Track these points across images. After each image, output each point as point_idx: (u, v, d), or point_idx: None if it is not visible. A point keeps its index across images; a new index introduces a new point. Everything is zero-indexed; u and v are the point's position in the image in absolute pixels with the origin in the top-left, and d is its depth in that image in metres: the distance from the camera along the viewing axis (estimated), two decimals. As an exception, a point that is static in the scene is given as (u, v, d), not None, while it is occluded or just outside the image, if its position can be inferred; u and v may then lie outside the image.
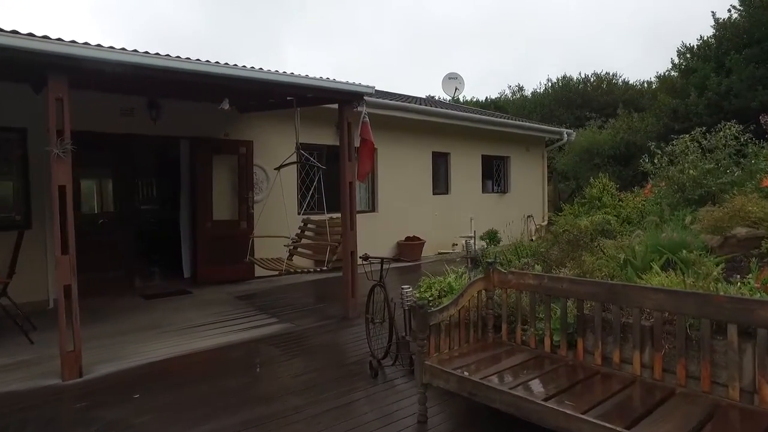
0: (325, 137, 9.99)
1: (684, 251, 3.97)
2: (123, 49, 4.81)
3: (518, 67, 55.96)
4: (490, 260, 3.76)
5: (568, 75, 25.88)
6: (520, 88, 28.56)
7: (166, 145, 9.77)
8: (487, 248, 10.68)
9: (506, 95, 28.86)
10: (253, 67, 5.57)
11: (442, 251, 12.35)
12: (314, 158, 10.11)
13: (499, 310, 3.74)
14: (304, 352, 5.10)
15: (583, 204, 8.70)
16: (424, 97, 21.50)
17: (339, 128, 6.04)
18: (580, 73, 25.59)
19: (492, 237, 10.51)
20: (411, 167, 11.73)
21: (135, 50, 4.88)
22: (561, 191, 17.33)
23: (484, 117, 13.29)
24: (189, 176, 8.59)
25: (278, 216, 8.87)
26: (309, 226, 7.92)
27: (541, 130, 14.88)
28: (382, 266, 4.53)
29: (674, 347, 2.66)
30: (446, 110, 12.22)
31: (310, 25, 72.24)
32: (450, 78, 20.21)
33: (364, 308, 4.81)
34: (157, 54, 5.04)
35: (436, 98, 23.32)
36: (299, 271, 6.44)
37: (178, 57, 5.08)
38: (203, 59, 5.40)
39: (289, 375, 4.45)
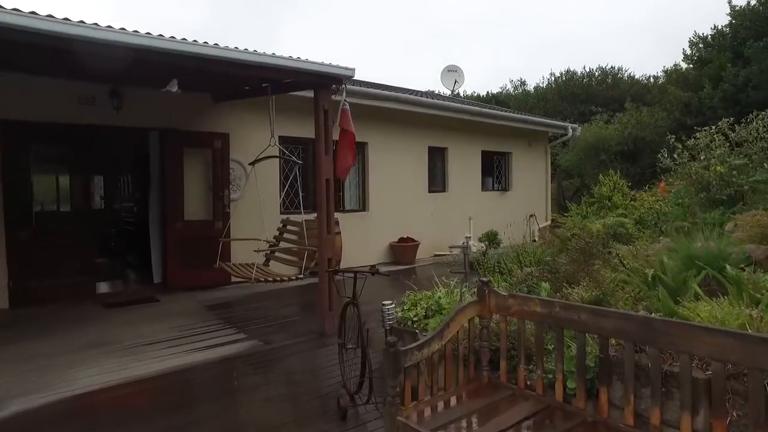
0: (310, 130, 9.16)
1: (727, 265, 3.19)
2: (50, 16, 4.02)
3: (520, 62, 55.12)
4: (484, 279, 2.97)
5: (572, 69, 25.06)
6: (523, 83, 27.74)
7: (135, 138, 8.98)
8: (486, 251, 9.91)
9: (508, 90, 28.03)
10: (206, 43, 4.78)
11: (438, 253, 11.57)
12: (299, 154, 9.34)
13: (496, 342, 2.96)
14: (268, 379, 4.32)
15: (591, 204, 7.93)
16: (424, 91, 20.69)
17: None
18: (584, 68, 24.78)
19: (492, 239, 9.73)
20: (405, 163, 10.94)
21: (66, 19, 4.10)
22: (565, 189, 16.54)
23: (483, 110, 12.49)
24: (159, 172, 7.82)
25: (258, 216, 8.11)
26: (289, 227, 7.15)
27: (545, 125, 14.07)
28: (355, 281, 3.75)
29: (746, 415, 1.88)
30: (443, 102, 11.42)
31: (309, 18, 71.38)
32: (449, 71, 19.36)
33: (341, 307, 4.05)
34: (95, 25, 4.26)
35: (436, 92, 22.50)
36: (272, 280, 5.67)
37: (112, 27, 4.29)
38: (154, 34, 4.62)
39: (243, 413, 3.68)
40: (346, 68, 5.31)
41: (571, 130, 14.32)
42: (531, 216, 14.29)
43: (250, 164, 6.82)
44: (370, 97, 9.37)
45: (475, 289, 3.03)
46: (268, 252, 6.82)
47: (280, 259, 6.65)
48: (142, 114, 7.45)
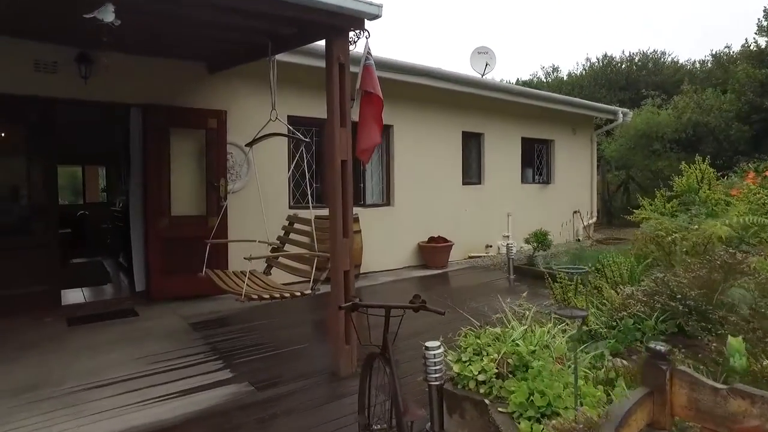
0: (323, 108, 7.73)
1: None
2: None
3: (552, 48, 52.86)
4: (660, 347, 1.46)
5: (609, 54, 23.14)
6: (555, 69, 25.87)
7: (113, 116, 7.61)
8: (534, 254, 8.35)
9: (539, 77, 26.21)
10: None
11: (473, 255, 10.07)
12: (311, 138, 7.89)
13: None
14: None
15: (669, 199, 6.34)
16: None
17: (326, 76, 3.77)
18: (623, 52, 22.85)
19: (541, 240, 8.17)
20: (436, 150, 9.42)
21: None
22: (608, 183, 14.84)
23: (525, 90, 10.88)
24: (141, 157, 6.44)
25: (260, 211, 6.73)
26: (297, 226, 5.71)
27: (592, 109, 12.39)
28: (387, 321, 2.28)
29: None
30: (481, 79, 9.86)
31: None
32: (479, 53, 17.59)
33: (362, 360, 2.58)
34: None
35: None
36: (268, 297, 4.22)
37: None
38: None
39: None
40: (370, 3, 3.80)
41: (621, 116, 12.63)
42: (575, 212, 12.67)
43: (247, 145, 5.39)
44: (397, 69, 7.87)
45: (621, 360, 1.54)
46: (271, 258, 5.40)
47: (286, 267, 5.21)
48: (119, 86, 6.06)
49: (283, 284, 5.19)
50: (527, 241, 8.34)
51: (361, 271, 7.88)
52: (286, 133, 5.23)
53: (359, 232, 7.65)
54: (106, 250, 10.64)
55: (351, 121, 4.03)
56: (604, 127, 13.74)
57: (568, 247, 10.59)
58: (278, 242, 5.59)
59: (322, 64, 7.08)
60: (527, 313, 3.36)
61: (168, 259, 6.28)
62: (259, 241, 5.40)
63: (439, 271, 8.64)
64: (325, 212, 7.55)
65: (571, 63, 52.05)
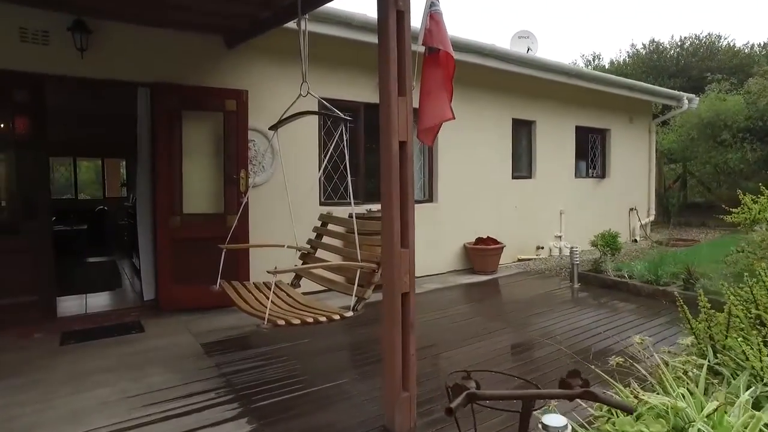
0: (360, 90, 6.73)
1: None
2: None
3: (592, 34, 50.69)
4: None
5: (657, 39, 21.56)
6: (597, 57, 24.34)
7: (115, 97, 6.72)
8: (601, 259, 7.20)
9: (579, 66, 24.67)
10: None
11: (522, 257, 8.96)
12: (345, 127, 6.89)
13: None
14: None
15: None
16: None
17: (379, 35, 2.71)
18: (672, 37, 21.25)
19: (610, 242, 7.00)
20: (484, 140, 8.32)
21: None
22: (664, 177, 13.49)
23: (584, 71, 9.67)
24: (149, 145, 5.52)
25: (287, 208, 5.80)
26: (331, 227, 4.72)
27: (654, 94, 11.08)
28: (526, 418, 1.24)
29: None
30: (537, 58, 8.70)
31: None
32: (520, 37, 16.41)
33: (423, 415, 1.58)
34: None
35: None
36: (298, 323, 3.23)
37: None
38: None
39: None
40: None
41: (686, 102, 11.31)
42: (631, 210, 11.42)
43: (271, 128, 4.41)
44: (444, 44, 6.79)
45: None
46: (303, 270, 4.43)
47: (319, 278, 4.21)
48: (123, 61, 5.16)
49: (314, 298, 4.20)
50: (593, 244, 7.18)
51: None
52: (321, 111, 4.21)
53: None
54: (123, 248, 9.87)
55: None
56: (661, 116, 12.42)
57: (627, 249, 9.40)
58: (309, 247, 4.60)
59: (359, 36, 6.11)
60: (670, 361, 2.29)
61: (180, 263, 5.37)
62: (287, 246, 4.44)
63: (489, 277, 7.55)
64: (359, 209, 6.54)
65: (613, 50, 49.80)
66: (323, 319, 3.32)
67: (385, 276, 2.82)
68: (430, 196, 7.77)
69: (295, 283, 4.45)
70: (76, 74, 4.94)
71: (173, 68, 5.38)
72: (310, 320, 3.26)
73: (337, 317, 3.38)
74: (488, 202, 8.38)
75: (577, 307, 5.75)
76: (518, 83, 8.48)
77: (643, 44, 21.98)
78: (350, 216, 6.14)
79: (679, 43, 20.96)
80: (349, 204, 6.77)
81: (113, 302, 5.89)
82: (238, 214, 5.53)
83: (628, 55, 22.23)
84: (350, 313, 3.44)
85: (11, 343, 4.56)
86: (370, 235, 4.05)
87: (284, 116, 4.20)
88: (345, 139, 3.76)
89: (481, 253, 7.69)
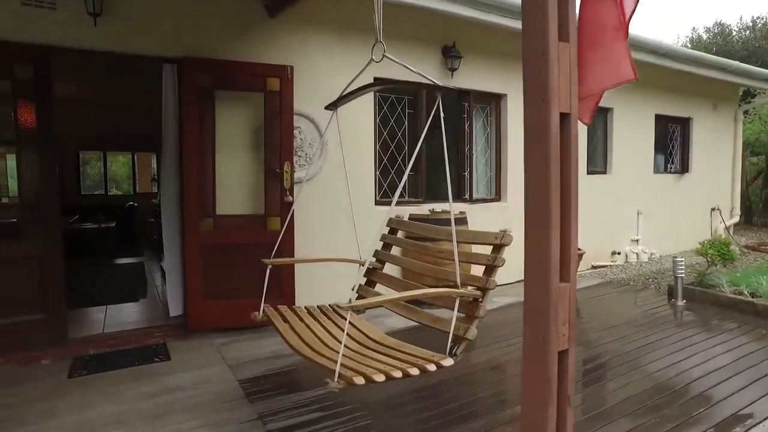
0: (422, 68, 5.69)
1: None
2: None
3: (647, 20, 48.24)
4: None
5: (722, 22, 19.84)
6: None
7: (137, 77, 5.86)
8: (709, 271, 6.00)
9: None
10: None
11: (597, 264, 7.81)
12: (402, 105, 5.87)
13: None
14: None
15: None
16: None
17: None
18: (741, 19, 19.52)
19: (723, 251, 5.79)
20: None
21: None
22: (746, 172, 12.05)
23: (677, 48, 8.37)
24: (176, 132, 4.60)
25: (344, 210, 4.88)
26: (410, 232, 3.70)
27: (751, 76, 9.65)
28: None
29: None
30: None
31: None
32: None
33: None
34: None
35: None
36: (383, 379, 2.24)
37: None
38: None
39: None
40: None
41: (782, 86, 9.89)
42: (713, 210, 10.09)
43: (329, 107, 3.42)
44: (513, 13, 5.70)
45: None
46: (360, 287, 3.44)
47: (401, 306, 3.19)
48: (144, 31, 4.25)
49: (376, 322, 3.21)
50: (701, 253, 5.99)
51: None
52: (404, 81, 3.18)
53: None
54: (153, 247, 9.11)
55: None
56: (744, 103, 11.00)
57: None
58: (375, 261, 3.60)
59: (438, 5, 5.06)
60: None
61: (211, 275, 4.46)
62: (359, 261, 3.46)
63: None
64: (419, 211, 5.52)
65: (669, 37, 47.34)
66: (415, 371, 2.32)
67: (530, 324, 1.80)
68: (498, 194, 6.70)
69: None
70: (88, 46, 4.05)
71: (205, 40, 4.45)
72: (398, 374, 2.26)
73: (432, 367, 2.37)
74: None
75: (696, 334, 4.60)
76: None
77: (705, 28, 20.29)
78: (429, 216, 5.13)
79: (749, 24, 19.19)
80: (409, 203, 5.77)
81: (136, 318, 5.02)
82: (288, 217, 4.60)
83: (689, 40, 20.55)
84: (449, 361, 2.43)
85: (12, 373, 3.73)
86: (461, 244, 3.03)
87: (346, 91, 3.20)
88: (441, 118, 2.72)
89: (558, 261, 6.56)
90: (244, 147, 4.68)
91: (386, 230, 3.67)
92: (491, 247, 2.80)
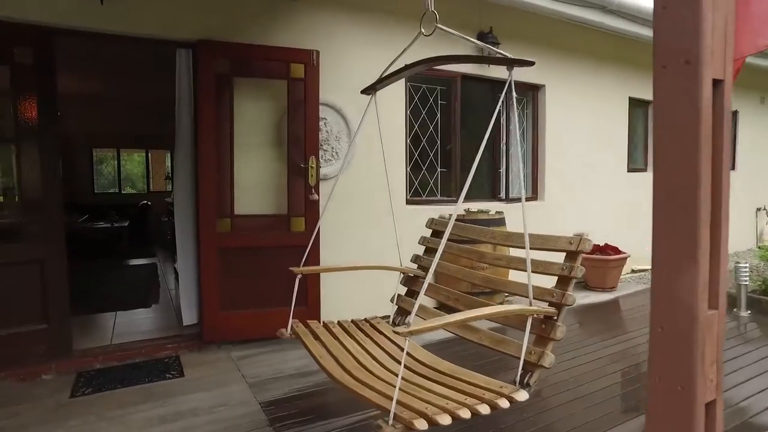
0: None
1: None
2: None
3: None
4: None
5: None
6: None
7: (147, 62, 5.48)
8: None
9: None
10: None
11: (638, 268, 7.27)
12: (434, 96, 5.41)
13: None
14: None
15: None
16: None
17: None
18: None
19: (789, 256, 5.24)
20: (598, 123, 6.68)
21: None
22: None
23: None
24: (191, 125, 4.19)
25: (376, 211, 4.46)
26: (454, 238, 3.23)
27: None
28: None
29: None
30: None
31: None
32: None
33: None
34: None
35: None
36: (448, 422, 1.81)
37: None
38: None
39: None
40: None
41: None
42: (758, 210, 9.49)
43: (366, 91, 2.96)
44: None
45: None
46: (402, 300, 3.00)
47: (455, 324, 2.74)
48: (156, 10, 3.84)
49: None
50: (764, 257, 5.44)
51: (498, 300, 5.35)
52: (468, 56, 2.72)
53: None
54: (167, 247, 8.77)
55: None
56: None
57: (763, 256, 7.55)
58: (416, 268, 3.15)
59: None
60: None
61: (229, 281, 4.04)
62: (400, 269, 3.02)
63: (610, 296, 5.94)
64: (479, 205, 5.04)
65: None
66: (485, 409, 1.86)
67: (662, 366, 1.34)
68: (534, 193, 6.21)
69: (399, 320, 3.01)
70: (93, 27, 3.64)
71: (222, 21, 4.03)
72: (466, 414, 1.81)
73: (505, 404, 1.92)
74: (600, 200, 6.74)
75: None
76: (636, 51, 6.75)
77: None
78: (465, 217, 4.66)
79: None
80: (442, 202, 5.31)
81: (147, 327, 4.62)
82: (306, 216, 4.17)
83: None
84: (523, 394, 1.98)
85: (8, 391, 3.35)
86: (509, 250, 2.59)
87: (389, 71, 2.75)
88: (514, 99, 2.25)
89: (601, 265, 6.07)
90: (264, 140, 4.25)
91: (429, 234, 3.21)
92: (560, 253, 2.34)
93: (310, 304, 4.21)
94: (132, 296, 5.65)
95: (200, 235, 3.97)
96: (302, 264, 2.82)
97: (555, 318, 2.21)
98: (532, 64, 2.07)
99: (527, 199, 6.00)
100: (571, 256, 2.33)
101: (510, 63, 2.11)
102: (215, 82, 3.93)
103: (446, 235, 2.07)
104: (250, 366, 3.77)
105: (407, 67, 2.53)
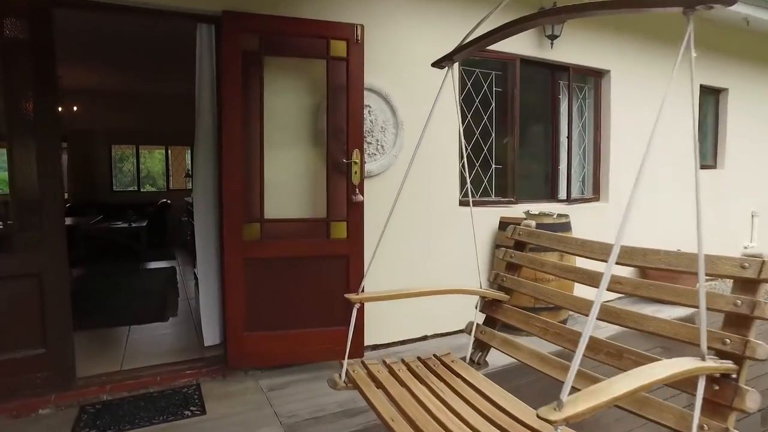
0: (516, 38, 4.56)
1: None
2: None
3: None
4: None
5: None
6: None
7: (164, 40, 4.91)
8: None
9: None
10: None
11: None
12: (489, 82, 4.72)
13: None
14: None
15: None
16: None
17: None
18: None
19: None
20: (665, 114, 5.89)
21: None
22: None
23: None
24: (212, 110, 3.57)
25: (422, 211, 3.83)
26: (536, 248, 2.57)
27: None
28: None
29: None
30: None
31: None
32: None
33: None
34: None
35: None
36: None
37: None
38: None
39: None
40: None
41: None
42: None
43: (439, 62, 2.29)
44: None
45: None
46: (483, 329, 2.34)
47: (625, 398, 2.08)
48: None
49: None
50: None
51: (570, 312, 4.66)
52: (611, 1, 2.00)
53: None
54: (186, 248, 8.27)
55: None
56: None
57: None
58: (496, 290, 2.48)
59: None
60: None
61: (258, 298, 3.42)
62: (479, 294, 2.37)
63: (686, 312, 5.19)
64: (511, 213, 4.41)
65: None
66: None
67: None
68: (596, 193, 5.49)
69: (478, 359, 2.36)
70: (100, -5, 3.06)
71: (251, -9, 3.41)
72: None
73: None
74: (668, 201, 5.98)
75: None
76: (712, 33, 5.97)
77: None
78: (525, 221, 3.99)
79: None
80: (498, 203, 4.64)
81: (163, 347, 4.02)
82: (349, 221, 3.54)
83: None
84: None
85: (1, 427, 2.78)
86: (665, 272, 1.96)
87: (472, 36, 2.09)
88: (692, 54, 1.54)
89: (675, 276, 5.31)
90: (299, 131, 3.62)
91: (512, 239, 2.55)
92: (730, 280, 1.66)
93: (355, 332, 3.56)
94: (147, 307, 5.08)
95: (224, 243, 3.36)
96: (359, 287, 2.17)
97: (735, 376, 1.54)
98: (732, 2, 1.37)
99: (586, 200, 5.31)
100: (747, 285, 1.65)
101: (691, 3, 1.41)
102: (242, 61, 3.31)
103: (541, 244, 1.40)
104: (284, 400, 3.15)
105: (511, 24, 1.86)
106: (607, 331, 3.37)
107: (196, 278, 5.94)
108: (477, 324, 2.40)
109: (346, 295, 2.06)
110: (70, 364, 3.20)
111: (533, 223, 2.60)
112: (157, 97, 9.39)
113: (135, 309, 5.01)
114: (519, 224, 2.61)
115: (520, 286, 2.41)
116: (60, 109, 8.91)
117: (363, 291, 2.12)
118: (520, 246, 2.57)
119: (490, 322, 2.45)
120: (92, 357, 3.68)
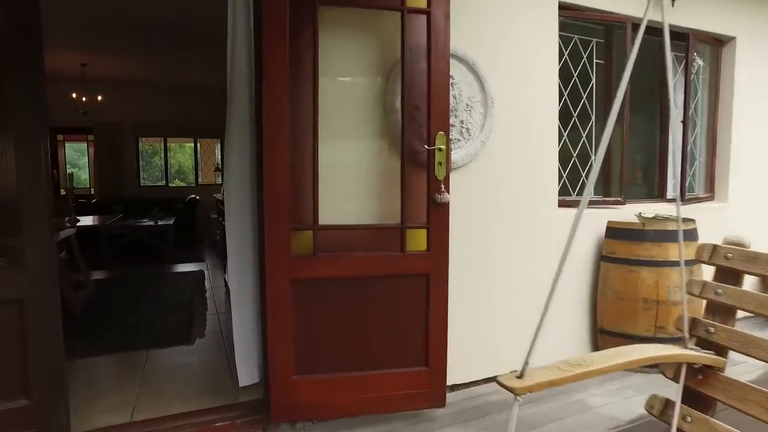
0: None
1: None
2: None
3: None
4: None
5: None
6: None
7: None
8: None
9: None
10: None
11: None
12: (589, 52, 3.76)
13: None
14: None
15: None
16: None
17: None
18: None
19: None
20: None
21: None
22: None
23: None
24: (248, 91, 2.72)
25: (517, 213, 2.90)
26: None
27: None
28: None
29: None
30: None
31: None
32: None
33: None
34: None
35: None
36: None
37: None
38: None
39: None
40: None
41: None
42: None
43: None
44: None
45: None
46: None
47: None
48: None
49: None
50: None
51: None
52: None
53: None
54: (216, 249, 7.58)
55: None
56: None
57: None
58: (703, 349, 1.56)
59: None
60: None
61: (311, 329, 2.56)
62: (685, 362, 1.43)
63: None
64: (615, 215, 3.40)
65: None
66: None
67: None
68: (710, 191, 4.47)
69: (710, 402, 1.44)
70: None
71: None
72: None
73: None
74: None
75: None
76: None
77: None
78: (644, 227, 3.09)
79: None
80: (602, 204, 3.68)
81: (187, 387, 3.19)
82: (430, 227, 2.66)
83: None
84: None
85: None
86: None
87: None
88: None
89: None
90: (362, 110, 2.75)
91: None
92: None
93: (431, 362, 2.68)
94: (171, 325, 4.29)
95: (266, 258, 2.50)
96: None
97: None
98: None
99: (702, 199, 4.30)
100: None
101: None
102: (290, 13, 2.44)
103: None
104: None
105: None
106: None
107: (226, 285, 5.17)
108: (680, 405, 1.48)
109: (503, 382, 1.16)
110: (61, 419, 2.40)
111: (746, 239, 1.67)
112: (186, 88, 8.88)
113: (156, 326, 4.23)
114: (720, 244, 1.68)
115: (748, 344, 1.49)
116: (84, 99, 8.29)
117: (526, 367, 1.21)
118: (724, 274, 1.64)
119: (693, 399, 1.53)
120: (95, 400, 2.89)
